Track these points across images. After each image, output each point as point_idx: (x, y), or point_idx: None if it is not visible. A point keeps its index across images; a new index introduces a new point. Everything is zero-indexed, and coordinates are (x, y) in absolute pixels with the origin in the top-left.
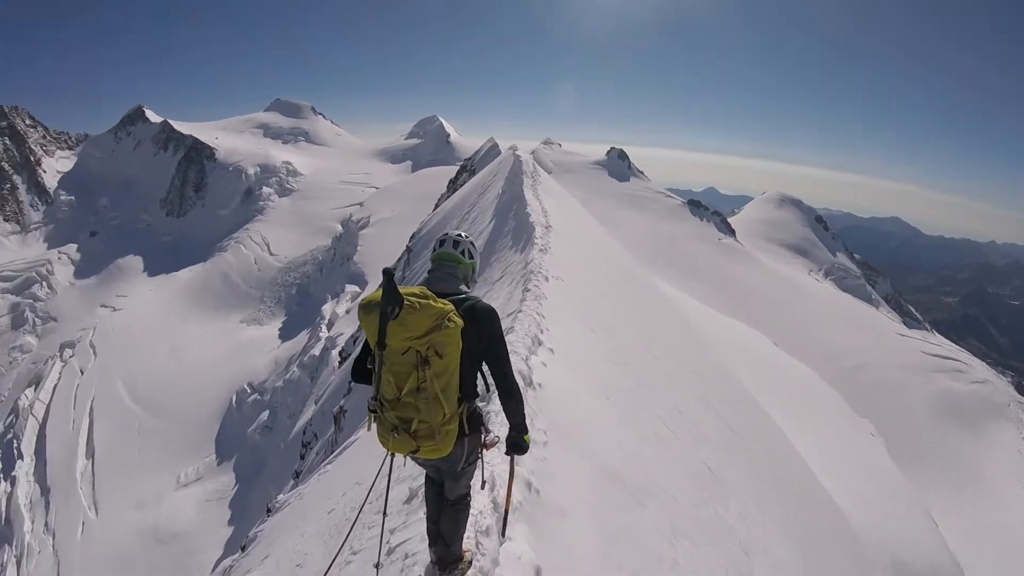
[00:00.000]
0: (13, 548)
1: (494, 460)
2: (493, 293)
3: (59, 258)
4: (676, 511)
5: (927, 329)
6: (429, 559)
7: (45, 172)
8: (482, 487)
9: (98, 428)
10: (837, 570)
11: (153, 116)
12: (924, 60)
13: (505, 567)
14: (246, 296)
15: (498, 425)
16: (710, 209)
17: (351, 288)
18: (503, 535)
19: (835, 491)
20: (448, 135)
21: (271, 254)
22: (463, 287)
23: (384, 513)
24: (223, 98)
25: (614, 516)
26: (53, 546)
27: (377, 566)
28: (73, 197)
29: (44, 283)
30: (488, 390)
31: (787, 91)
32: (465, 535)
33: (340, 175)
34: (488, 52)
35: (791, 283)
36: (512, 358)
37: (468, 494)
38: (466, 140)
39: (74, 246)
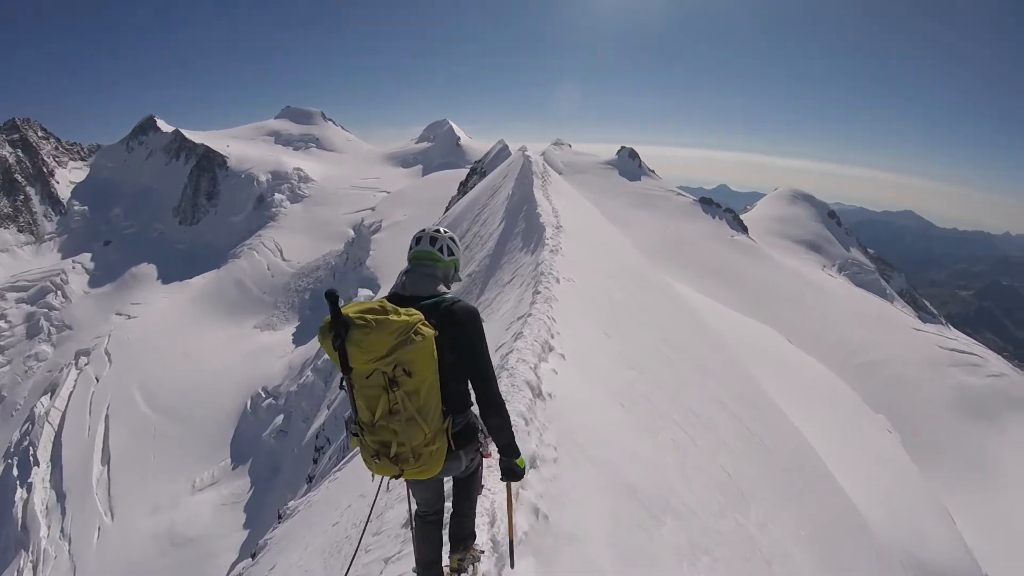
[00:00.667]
0: (30, 554)
1: (495, 488)
2: (503, 296)
3: (73, 267)
4: (696, 526)
5: (942, 323)
6: None
7: (58, 183)
8: (479, 492)
9: (114, 434)
10: (857, 573)
11: (164, 126)
12: (936, 51)
13: None
14: (260, 302)
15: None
16: (722, 207)
17: (364, 292)
18: (512, 567)
19: (851, 488)
20: (458, 138)
21: (284, 260)
22: (442, 287)
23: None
24: (234, 107)
25: (630, 537)
26: (69, 551)
27: None
28: (86, 207)
29: (59, 292)
30: None
31: (798, 86)
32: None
33: (351, 180)
34: (497, 55)
35: (805, 279)
36: (521, 367)
37: (477, 470)
38: (476, 143)
39: (88, 255)
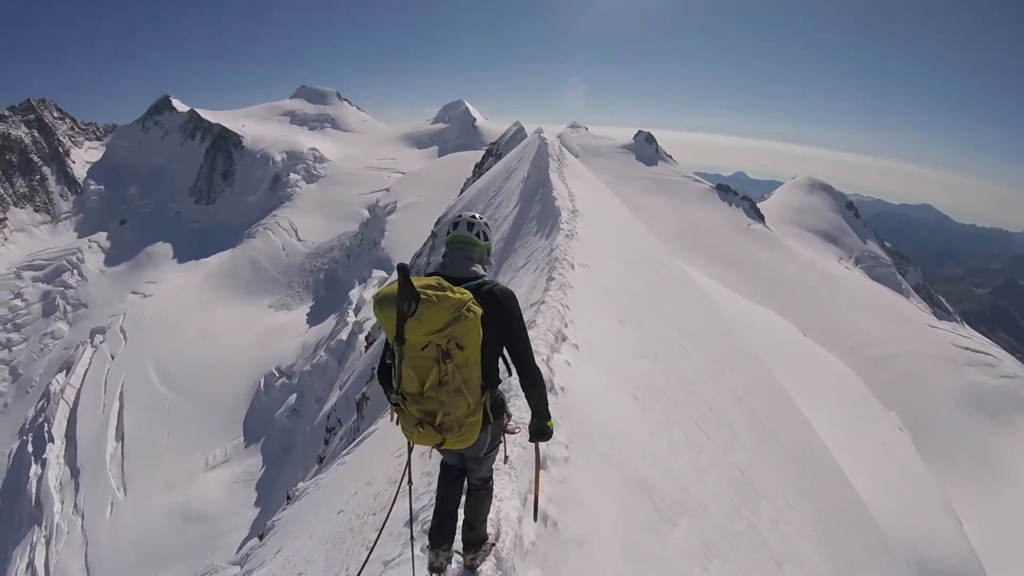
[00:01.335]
0: (43, 528)
1: (515, 442)
2: (517, 280)
3: (89, 246)
4: (708, 526)
5: (957, 321)
6: (428, 561)
7: (74, 163)
8: (504, 461)
9: (128, 411)
10: (867, 573)
11: (180, 105)
12: (963, 42)
13: None
14: (274, 281)
15: (518, 410)
16: (739, 194)
17: (378, 273)
18: (535, 519)
19: (861, 484)
20: (474, 119)
21: (299, 240)
22: (478, 270)
23: (410, 522)
24: (249, 86)
25: (642, 540)
26: (82, 526)
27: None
28: (102, 187)
29: (75, 271)
30: (510, 374)
31: (820, 73)
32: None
33: (366, 161)
34: (514, 36)
35: (821, 270)
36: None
37: (490, 477)
38: (492, 125)
39: (104, 234)
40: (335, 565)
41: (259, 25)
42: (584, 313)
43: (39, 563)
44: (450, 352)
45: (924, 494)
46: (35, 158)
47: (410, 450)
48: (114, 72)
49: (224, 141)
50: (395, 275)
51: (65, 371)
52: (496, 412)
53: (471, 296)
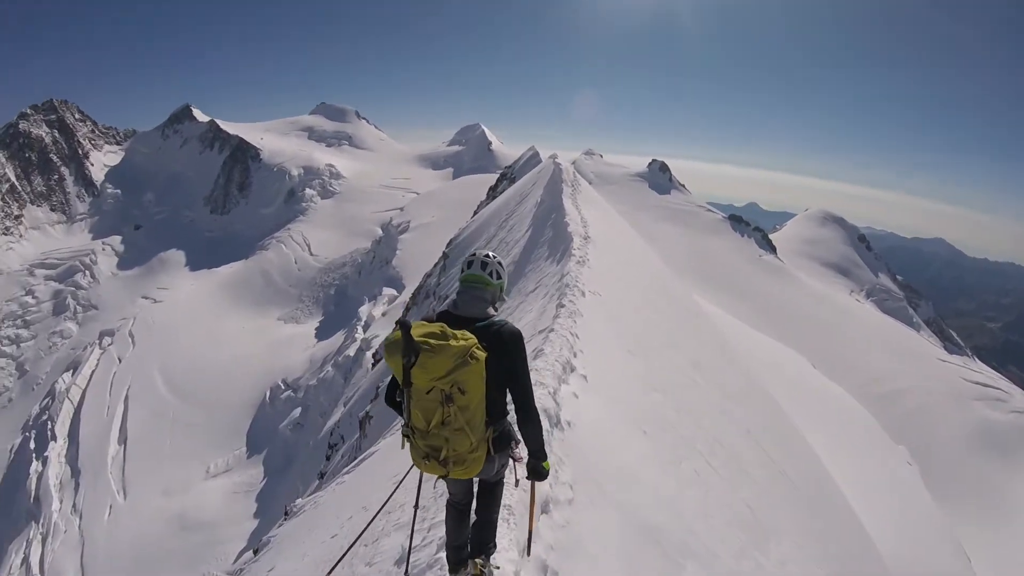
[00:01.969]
0: (40, 525)
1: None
2: (526, 305)
3: (103, 249)
4: (716, 570)
5: (968, 355)
6: None
7: (92, 165)
8: (516, 485)
9: (132, 415)
10: None
11: (200, 115)
12: (977, 79)
13: None
14: (285, 294)
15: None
16: (751, 225)
17: (388, 291)
18: (528, 554)
19: (868, 519)
20: (490, 143)
21: (311, 254)
22: (490, 310)
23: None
24: (269, 101)
25: None
26: (79, 527)
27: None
28: (119, 191)
29: (87, 272)
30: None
31: (835, 107)
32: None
33: (382, 179)
34: (532, 61)
35: (831, 303)
36: (539, 391)
37: (501, 480)
38: (508, 148)
39: (118, 238)
40: None
41: (281, 42)
42: (593, 342)
43: (34, 560)
44: (453, 396)
45: (932, 530)
46: (54, 158)
47: (420, 485)
48: (137, 79)
49: (242, 153)
50: (413, 287)
51: (72, 371)
52: (500, 445)
53: (475, 341)
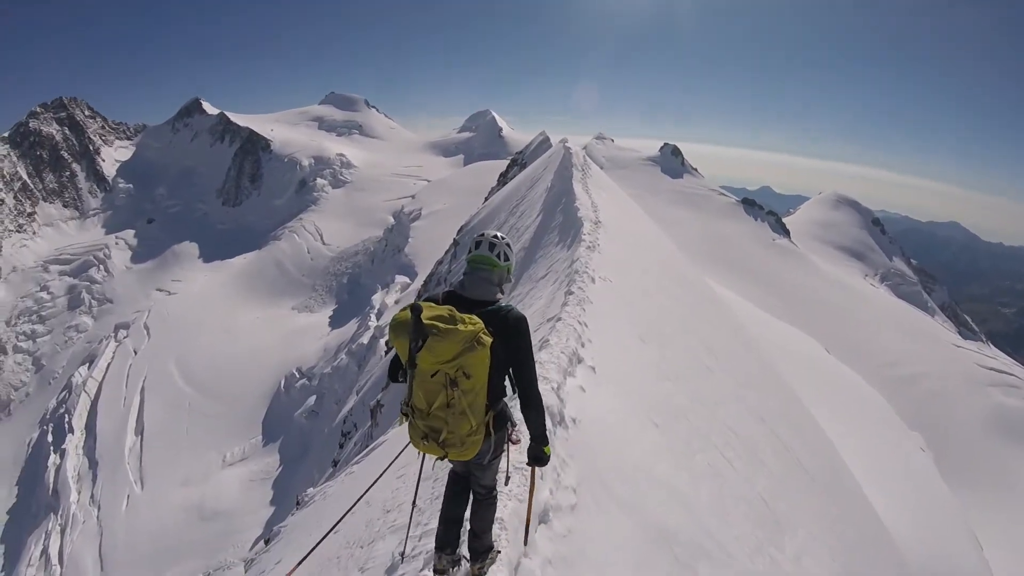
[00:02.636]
0: (59, 517)
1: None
2: (536, 291)
3: (116, 243)
4: (729, 569)
5: (983, 340)
6: (432, 564)
7: (104, 161)
8: (506, 483)
9: (148, 406)
10: None
11: (210, 108)
12: (993, 62)
13: None
14: (298, 284)
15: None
16: (764, 208)
17: (401, 279)
18: (526, 543)
19: (882, 506)
20: (500, 129)
21: (324, 244)
22: (498, 293)
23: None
24: (278, 91)
25: None
26: (98, 517)
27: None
28: (131, 185)
29: (101, 266)
30: (515, 392)
31: (849, 90)
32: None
33: (393, 168)
34: (542, 47)
35: (845, 287)
36: (543, 386)
37: (495, 487)
38: (518, 134)
39: (131, 232)
40: None
41: (290, 32)
42: (603, 330)
43: (53, 551)
44: (457, 380)
45: (945, 517)
46: (65, 155)
47: (418, 483)
48: (147, 74)
49: (253, 144)
50: (426, 274)
51: (88, 364)
52: (498, 425)
53: (482, 326)
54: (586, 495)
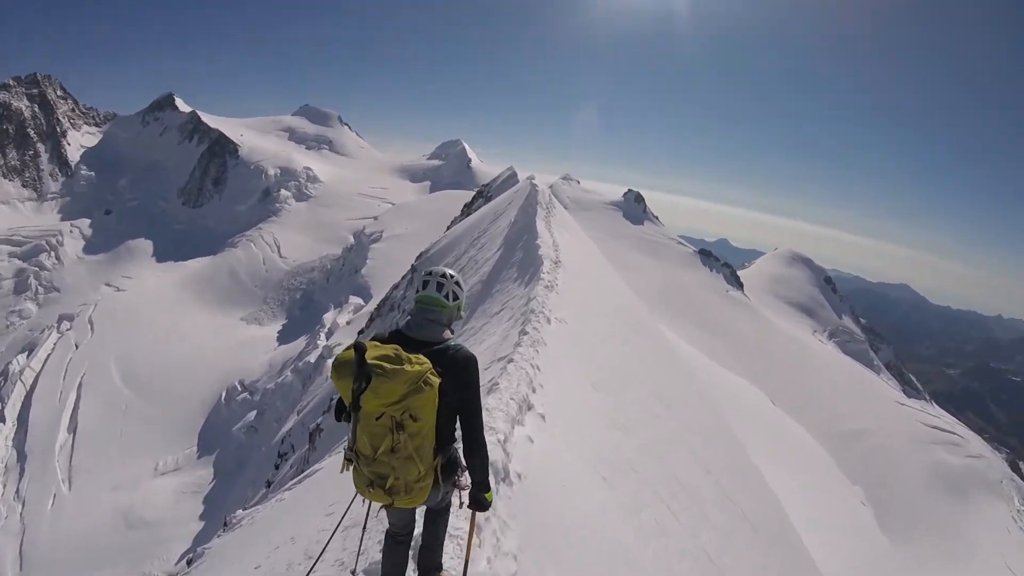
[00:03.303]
0: None
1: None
2: (490, 327)
3: (71, 231)
4: None
5: (926, 400)
6: None
7: (69, 144)
8: (460, 507)
9: (84, 404)
10: None
11: (183, 105)
12: (941, 129)
13: None
14: (250, 294)
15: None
16: (721, 260)
17: (355, 300)
18: None
19: (823, 558)
20: (470, 160)
21: (281, 256)
22: (446, 333)
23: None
24: (253, 97)
25: None
26: (21, 514)
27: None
28: (93, 173)
29: (52, 253)
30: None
31: (807, 151)
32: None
33: (359, 187)
34: (516, 84)
35: (795, 342)
36: (489, 437)
37: (448, 505)
38: (487, 167)
39: (87, 221)
40: None
41: (271, 40)
42: (556, 375)
43: None
44: (404, 424)
45: (882, 569)
46: (31, 133)
47: (364, 527)
48: (124, 61)
49: (221, 147)
50: (381, 297)
51: (27, 353)
52: (447, 473)
53: (429, 367)
54: (527, 562)
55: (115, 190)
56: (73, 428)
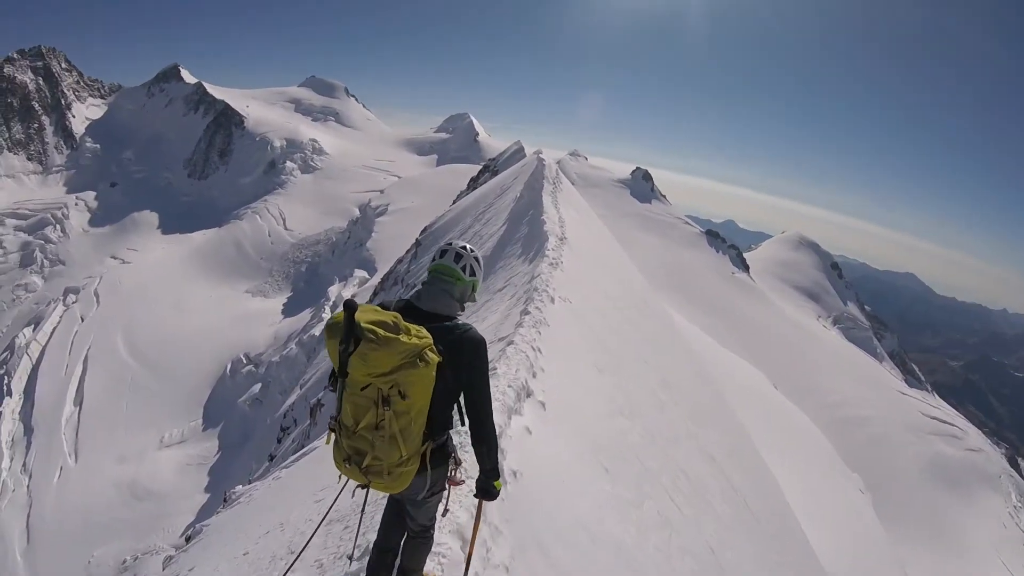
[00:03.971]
0: None
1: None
2: (492, 304)
3: (76, 203)
4: None
5: (928, 390)
6: None
7: (74, 117)
8: (443, 515)
9: (90, 377)
10: None
11: (188, 76)
12: (954, 117)
13: None
14: (256, 267)
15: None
16: (727, 242)
17: (360, 273)
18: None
19: (819, 544)
20: (477, 134)
21: (286, 228)
22: (457, 308)
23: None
24: (259, 68)
25: None
26: (28, 486)
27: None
28: (98, 145)
29: (58, 226)
30: (463, 423)
31: (819, 134)
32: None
33: (365, 159)
34: (525, 58)
35: (799, 326)
36: None
37: (431, 527)
38: (494, 141)
39: (93, 194)
40: None
41: (278, 9)
42: (558, 358)
43: None
44: (390, 399)
45: (878, 557)
46: (36, 106)
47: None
48: (129, 32)
49: (226, 119)
50: (386, 271)
51: (33, 326)
52: (436, 461)
53: (430, 342)
54: (520, 568)
55: (120, 162)
56: (79, 401)
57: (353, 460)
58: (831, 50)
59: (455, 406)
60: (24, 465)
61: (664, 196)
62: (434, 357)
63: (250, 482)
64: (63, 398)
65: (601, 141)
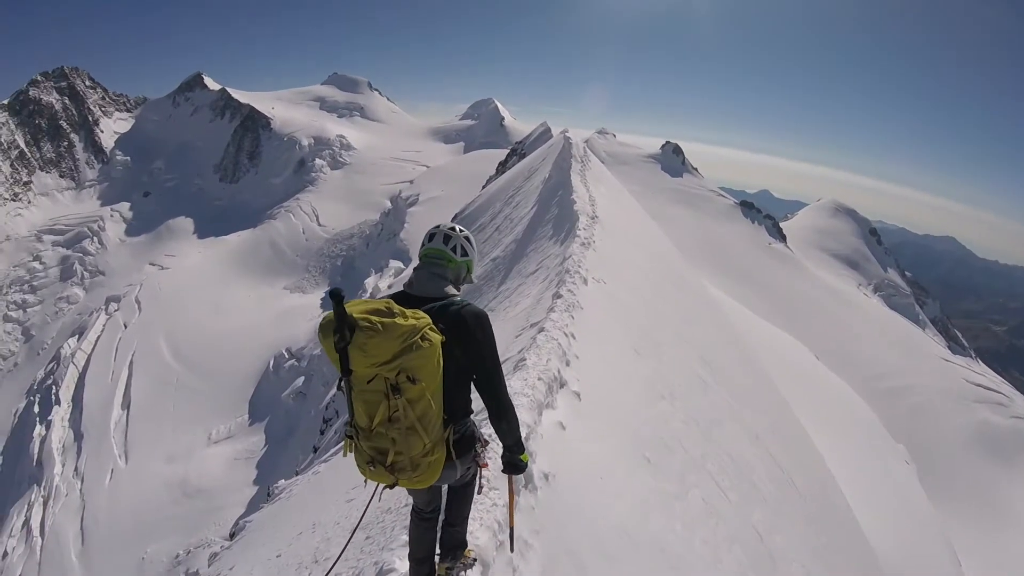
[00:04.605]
0: (42, 489)
1: (499, 488)
2: (524, 288)
3: (111, 215)
4: None
5: (972, 357)
6: None
7: (102, 132)
8: (479, 491)
9: (136, 381)
10: None
11: (211, 83)
12: (993, 79)
13: None
14: (292, 264)
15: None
16: (763, 212)
17: (395, 263)
18: (512, 550)
19: (866, 522)
20: (503, 118)
21: (319, 225)
22: (450, 289)
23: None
24: (281, 70)
25: None
26: (81, 490)
27: None
28: (129, 158)
29: (95, 238)
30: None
31: (853, 99)
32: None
33: (392, 152)
34: (548, 39)
35: (839, 295)
36: None
37: (473, 479)
38: (520, 124)
39: (127, 205)
40: None
41: (296, 9)
42: (593, 343)
43: (35, 522)
44: (400, 386)
45: (927, 534)
46: (64, 125)
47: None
48: (149, 47)
49: (253, 122)
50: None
51: (77, 336)
52: (462, 449)
53: (428, 321)
54: None
55: (151, 172)
56: (126, 405)
57: (376, 461)
58: (864, 10)
59: (469, 387)
60: (76, 470)
61: (696, 169)
62: (436, 336)
63: (297, 474)
64: (111, 403)
65: (628, 119)
